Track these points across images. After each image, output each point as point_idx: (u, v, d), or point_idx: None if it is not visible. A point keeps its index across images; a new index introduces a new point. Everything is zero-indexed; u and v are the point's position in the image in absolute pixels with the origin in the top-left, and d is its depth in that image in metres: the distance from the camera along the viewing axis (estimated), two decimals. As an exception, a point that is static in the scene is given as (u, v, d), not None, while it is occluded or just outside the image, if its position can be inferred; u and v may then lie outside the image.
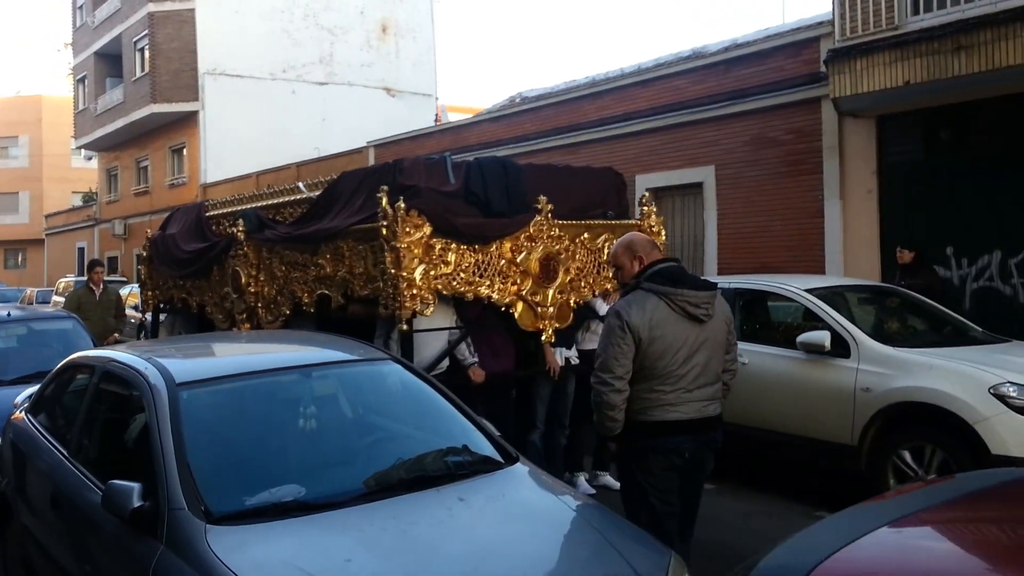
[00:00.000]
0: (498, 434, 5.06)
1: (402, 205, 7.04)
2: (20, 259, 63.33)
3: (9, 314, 9.88)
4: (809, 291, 8.62)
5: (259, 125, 32.95)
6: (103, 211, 42.40)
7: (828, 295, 8.65)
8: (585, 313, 8.46)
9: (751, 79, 14.93)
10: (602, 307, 8.45)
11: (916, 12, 11.82)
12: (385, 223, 7.10)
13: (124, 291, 23.15)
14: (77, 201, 53.21)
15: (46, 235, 52.27)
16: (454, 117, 30.18)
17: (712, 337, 4.87)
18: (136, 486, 3.96)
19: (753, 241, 14.71)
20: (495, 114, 21.77)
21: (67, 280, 31.15)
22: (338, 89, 35.35)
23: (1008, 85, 11.27)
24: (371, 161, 23.69)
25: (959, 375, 7.20)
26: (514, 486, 4.55)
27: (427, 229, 7.17)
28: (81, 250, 44.59)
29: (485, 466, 4.63)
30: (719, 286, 5.47)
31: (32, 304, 29.45)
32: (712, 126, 15.55)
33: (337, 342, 5.72)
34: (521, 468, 4.71)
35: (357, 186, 8.11)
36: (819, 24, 14.23)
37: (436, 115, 32.96)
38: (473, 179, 7.91)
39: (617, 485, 6.50)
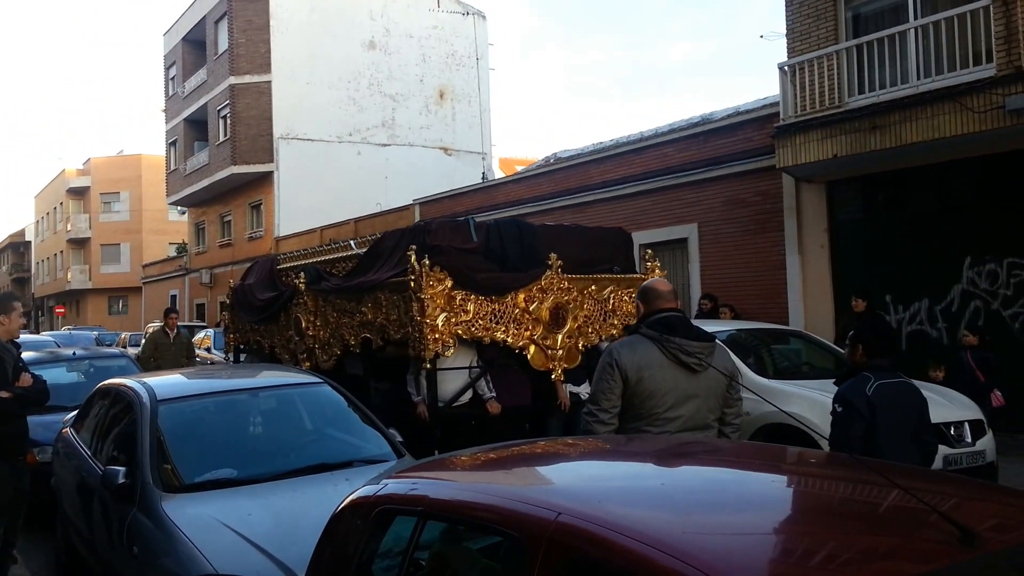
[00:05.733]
0: (400, 440, 6.61)
1: (427, 262, 8.04)
2: (121, 305, 66.61)
3: (75, 353, 11.75)
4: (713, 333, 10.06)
5: (328, 183, 35.16)
6: (192, 261, 44.98)
7: (732, 336, 10.06)
8: (594, 356, 9.13)
9: (725, 148, 16.44)
10: None
11: (853, 94, 13.29)
12: (413, 277, 8.01)
13: (199, 336, 25.35)
14: (173, 252, 55.88)
15: (143, 283, 55.08)
16: (521, 168, 31.68)
17: (705, 387, 4.81)
18: (122, 469, 5.63)
19: (730, 290, 16.02)
20: (518, 176, 23.62)
21: (154, 325, 33.32)
22: (399, 150, 37.44)
23: (922, 157, 12.67)
24: (417, 216, 25.53)
25: (811, 401, 8.62)
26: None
27: (448, 283, 8.12)
28: (173, 297, 46.75)
29: (377, 459, 6.21)
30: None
31: (125, 347, 31.68)
32: (694, 189, 17.05)
33: (288, 372, 7.41)
34: (405, 460, 6.25)
35: (395, 244, 9.04)
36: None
37: (483, 173, 34.75)
38: (492, 238, 8.82)
39: None
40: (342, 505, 3.49)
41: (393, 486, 3.28)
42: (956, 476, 3.48)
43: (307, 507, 5.37)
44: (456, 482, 3.21)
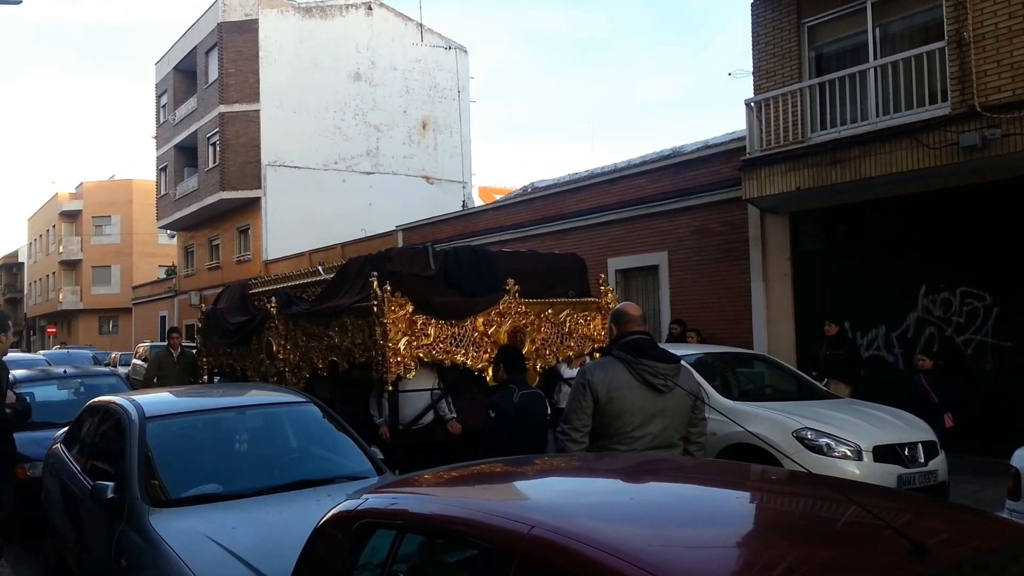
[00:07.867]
0: (381, 457, 6.59)
1: (388, 288, 8.01)
2: (112, 326, 66.07)
3: (65, 371, 11.63)
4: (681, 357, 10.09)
5: (314, 209, 35.12)
6: (181, 283, 44.72)
7: (699, 359, 10.09)
8: (552, 376, 9.37)
9: (694, 180, 16.56)
10: (566, 371, 9.32)
11: (815, 129, 13.45)
12: (375, 302, 7.98)
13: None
14: (162, 274, 55.63)
15: (133, 304, 54.84)
16: (500, 197, 31.85)
17: (671, 407, 4.82)
18: (111, 484, 5.59)
19: (698, 315, 16.10)
20: (497, 205, 23.67)
21: (144, 345, 32.95)
22: (383, 178, 37.50)
23: (880, 190, 12.80)
24: (400, 242, 25.50)
25: (772, 422, 8.67)
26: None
27: (410, 307, 8.09)
28: (163, 318, 46.68)
29: (358, 476, 6.18)
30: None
31: (116, 366, 31.33)
32: (665, 218, 17.15)
33: (275, 391, 7.37)
34: (385, 477, 6.23)
35: (359, 270, 8.97)
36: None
37: (463, 201, 34.88)
38: (450, 265, 8.80)
39: None
40: (324, 519, 3.49)
41: (373, 500, 3.28)
42: (909, 494, 3.53)
43: (290, 521, 5.34)
44: (434, 497, 3.21)
